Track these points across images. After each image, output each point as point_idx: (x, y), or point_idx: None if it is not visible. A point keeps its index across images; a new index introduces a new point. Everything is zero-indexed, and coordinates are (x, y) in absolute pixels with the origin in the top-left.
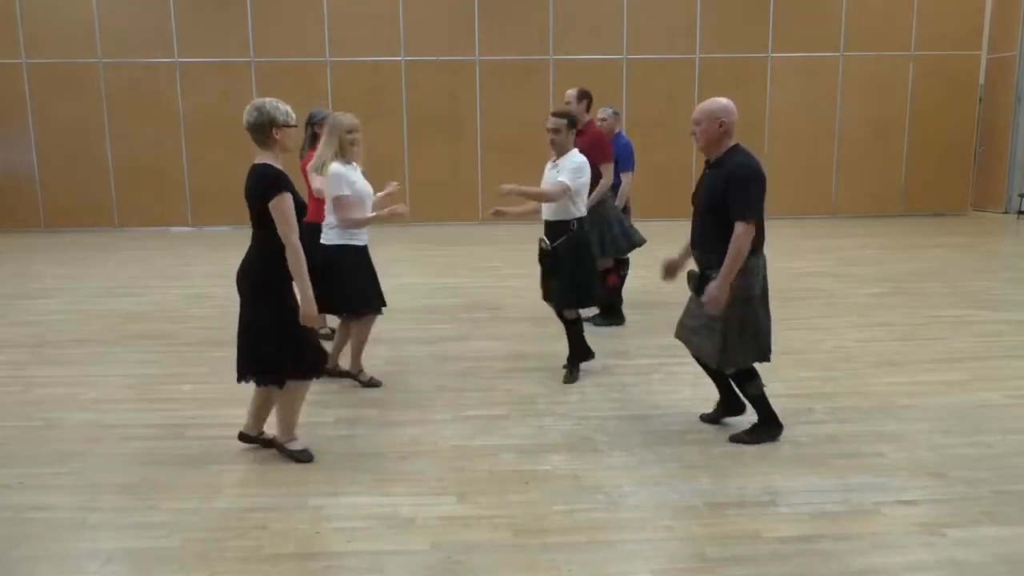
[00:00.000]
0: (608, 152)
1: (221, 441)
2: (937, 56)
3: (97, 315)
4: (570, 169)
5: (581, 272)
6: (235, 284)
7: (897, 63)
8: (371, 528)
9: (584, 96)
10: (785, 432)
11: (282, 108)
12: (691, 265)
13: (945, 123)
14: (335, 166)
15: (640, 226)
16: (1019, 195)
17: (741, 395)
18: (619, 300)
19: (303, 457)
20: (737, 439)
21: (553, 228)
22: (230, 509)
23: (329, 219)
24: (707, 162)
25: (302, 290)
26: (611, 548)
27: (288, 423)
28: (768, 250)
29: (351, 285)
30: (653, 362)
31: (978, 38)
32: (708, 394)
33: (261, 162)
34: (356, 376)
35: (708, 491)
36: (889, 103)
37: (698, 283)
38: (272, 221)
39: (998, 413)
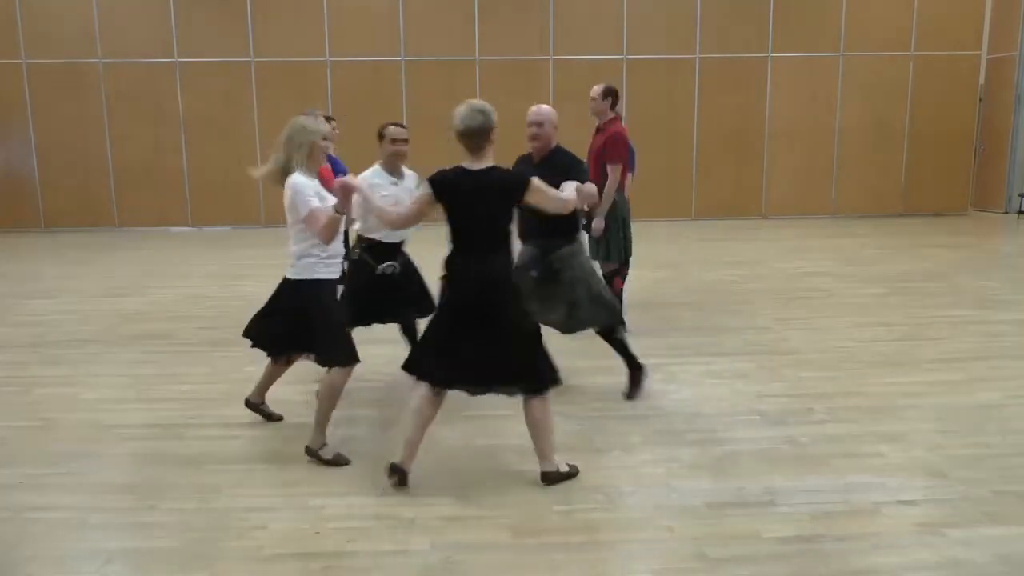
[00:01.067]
0: (617, 154)
1: (221, 441)
2: (937, 56)
3: (97, 315)
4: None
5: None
6: (483, 297)
7: (897, 63)
8: (371, 528)
9: (609, 93)
10: (785, 432)
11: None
12: None
13: (945, 123)
14: (298, 177)
15: (640, 226)
16: (1019, 195)
17: (609, 341)
18: (620, 304)
19: (570, 474)
20: (630, 395)
21: (397, 249)
22: (230, 509)
23: (297, 247)
24: (529, 159)
25: (574, 193)
26: (611, 548)
27: (552, 445)
28: (768, 250)
29: (336, 327)
30: (653, 362)
31: (978, 38)
32: (709, 393)
33: (493, 165)
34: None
35: (708, 491)
36: (889, 103)
37: (540, 264)
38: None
39: (998, 413)
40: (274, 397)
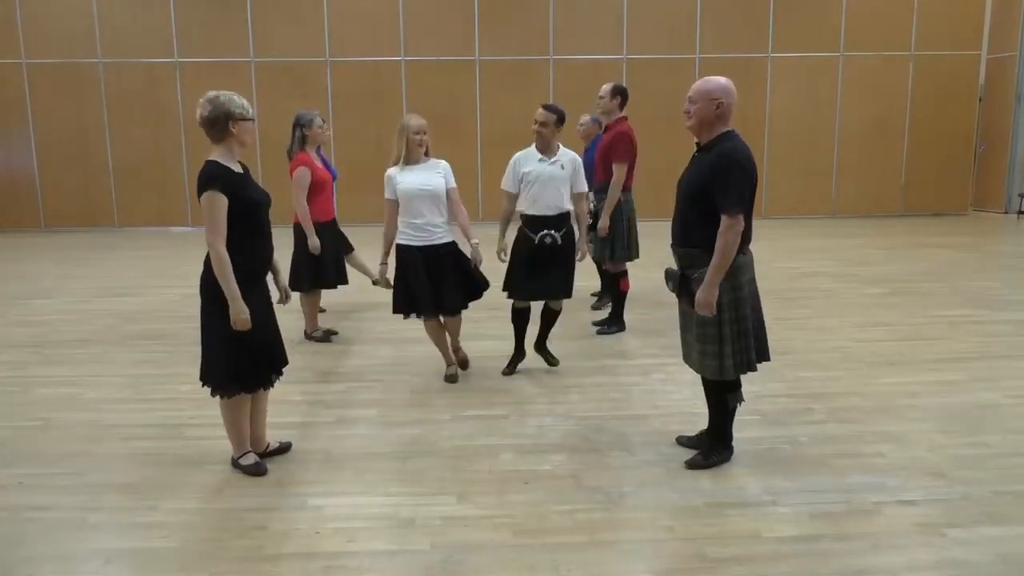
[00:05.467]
0: (622, 152)
1: (221, 441)
2: (937, 56)
3: (97, 315)
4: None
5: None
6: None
7: (897, 63)
8: (371, 528)
9: (618, 92)
10: (785, 432)
11: None
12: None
13: (945, 123)
14: (390, 170)
15: (641, 226)
16: (1019, 195)
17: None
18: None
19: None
20: (694, 465)
21: (558, 221)
22: (230, 509)
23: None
24: (697, 145)
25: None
26: (611, 548)
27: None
28: (768, 250)
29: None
30: (653, 362)
31: (978, 38)
32: None
33: None
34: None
35: (708, 491)
36: (889, 103)
37: (679, 284)
38: None
39: (998, 413)
40: (274, 397)
